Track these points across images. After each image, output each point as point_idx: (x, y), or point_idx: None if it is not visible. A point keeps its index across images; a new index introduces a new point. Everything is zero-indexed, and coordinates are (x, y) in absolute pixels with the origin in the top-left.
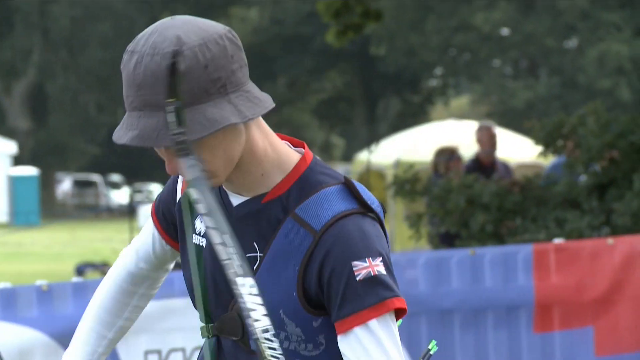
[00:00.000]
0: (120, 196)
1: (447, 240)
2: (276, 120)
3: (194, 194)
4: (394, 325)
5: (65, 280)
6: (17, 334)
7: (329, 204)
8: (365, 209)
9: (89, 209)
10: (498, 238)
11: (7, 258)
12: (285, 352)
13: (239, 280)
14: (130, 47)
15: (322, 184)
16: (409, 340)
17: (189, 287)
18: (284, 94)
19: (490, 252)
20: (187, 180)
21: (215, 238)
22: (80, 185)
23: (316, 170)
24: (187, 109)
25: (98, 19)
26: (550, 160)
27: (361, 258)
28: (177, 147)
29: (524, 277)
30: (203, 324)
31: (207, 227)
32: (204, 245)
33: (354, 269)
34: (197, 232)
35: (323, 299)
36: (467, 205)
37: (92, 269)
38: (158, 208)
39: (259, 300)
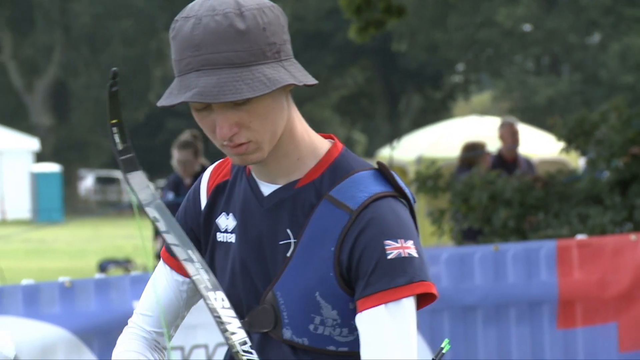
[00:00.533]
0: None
1: (469, 236)
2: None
3: (151, 213)
4: (414, 309)
5: (88, 277)
6: (40, 330)
7: (364, 185)
8: (399, 193)
9: (111, 206)
10: (520, 234)
11: (30, 255)
12: (319, 337)
13: (211, 295)
14: (182, 14)
15: (355, 169)
16: (431, 336)
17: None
18: (305, 90)
19: (513, 248)
20: (143, 200)
21: (180, 254)
22: (102, 181)
23: (348, 157)
24: (247, 68)
25: (119, 16)
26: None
27: (393, 238)
28: (123, 163)
29: (546, 273)
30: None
31: (169, 244)
32: (233, 241)
33: (386, 247)
34: (223, 230)
35: (352, 277)
36: (490, 201)
37: (114, 265)
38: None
39: (232, 313)
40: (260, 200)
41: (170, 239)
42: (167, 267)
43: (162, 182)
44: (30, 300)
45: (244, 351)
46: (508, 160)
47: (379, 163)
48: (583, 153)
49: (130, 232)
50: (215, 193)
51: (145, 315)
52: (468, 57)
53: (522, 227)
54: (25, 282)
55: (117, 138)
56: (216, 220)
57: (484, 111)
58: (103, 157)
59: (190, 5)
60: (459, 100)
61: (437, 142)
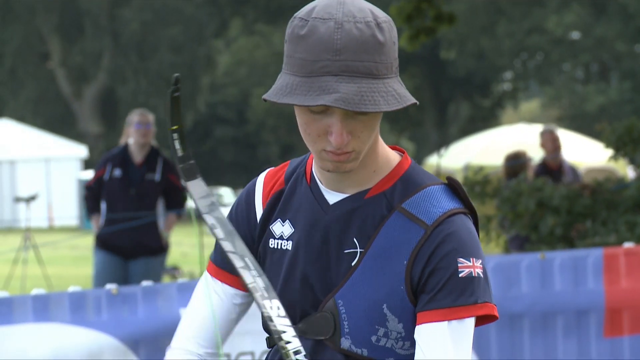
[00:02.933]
0: (190, 200)
1: (517, 243)
2: None
3: (209, 220)
4: (473, 329)
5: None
6: (87, 337)
7: (437, 201)
8: (469, 210)
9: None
10: (568, 241)
11: (78, 262)
12: (380, 349)
13: (267, 303)
14: (312, 14)
15: (425, 183)
16: (477, 344)
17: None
18: None
19: (560, 256)
20: (201, 208)
21: (237, 262)
22: None
23: (418, 170)
24: (381, 81)
25: (168, 23)
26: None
27: (466, 256)
28: (183, 170)
29: (593, 282)
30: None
31: (226, 252)
32: (289, 249)
33: (459, 264)
34: (277, 237)
35: (419, 290)
36: (537, 208)
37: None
38: (223, 261)
39: (287, 322)
40: (325, 208)
41: (227, 246)
42: (219, 283)
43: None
44: (77, 307)
45: None
46: (552, 167)
47: (449, 178)
48: (631, 161)
49: (178, 239)
50: (272, 202)
51: (194, 337)
52: (517, 65)
53: (570, 235)
54: (72, 289)
55: (177, 144)
56: (270, 227)
57: (532, 119)
58: None
59: (318, 6)
60: (508, 108)
61: (485, 149)
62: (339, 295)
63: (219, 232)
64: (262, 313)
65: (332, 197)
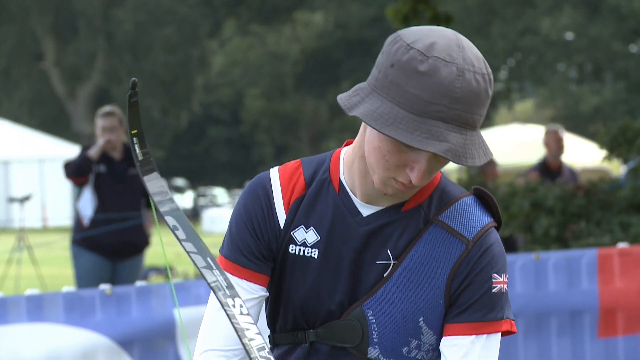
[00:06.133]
0: (184, 200)
1: (509, 244)
2: (340, 124)
3: (170, 222)
4: (499, 343)
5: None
6: (81, 337)
7: (473, 214)
8: (498, 223)
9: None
10: (562, 242)
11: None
12: None
13: (229, 302)
14: (436, 54)
15: (457, 195)
16: None
17: (290, 297)
18: None
19: (554, 257)
20: (162, 211)
21: (199, 262)
22: None
23: (447, 182)
24: (477, 133)
25: (162, 23)
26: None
27: (499, 272)
28: (143, 173)
29: (587, 282)
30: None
31: (187, 252)
32: (315, 257)
33: (493, 280)
34: (300, 243)
35: (452, 302)
36: (532, 208)
37: (156, 272)
38: (248, 257)
39: (250, 319)
40: (357, 220)
41: (189, 247)
42: (245, 282)
43: (202, 189)
44: (71, 308)
45: (262, 356)
46: (553, 167)
47: (476, 189)
48: (625, 161)
49: (171, 240)
50: (294, 207)
51: (225, 350)
52: (511, 65)
53: (564, 235)
54: (65, 289)
55: (137, 148)
56: (292, 233)
57: (526, 119)
58: None
59: (438, 44)
60: (502, 108)
61: None
62: (368, 304)
63: (180, 234)
64: (225, 312)
65: (366, 209)
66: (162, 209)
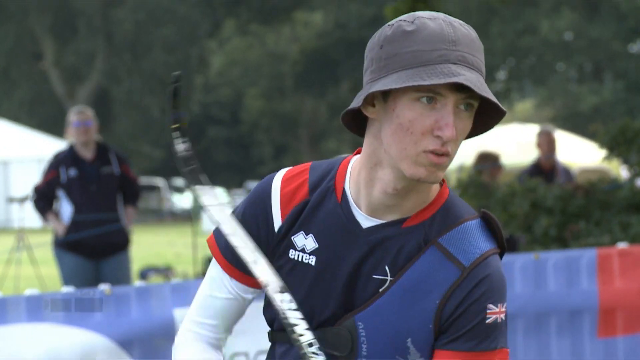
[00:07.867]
0: (184, 200)
1: (510, 244)
2: (339, 125)
3: (212, 217)
4: None
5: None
6: (80, 338)
7: (474, 239)
8: (500, 248)
9: (152, 213)
10: (561, 242)
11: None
12: None
13: (278, 297)
14: (419, 16)
15: (463, 217)
16: None
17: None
18: (348, 98)
19: (553, 257)
20: (207, 206)
21: (248, 257)
22: (143, 189)
23: (455, 201)
24: (484, 79)
25: (161, 23)
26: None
27: (496, 302)
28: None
29: (587, 282)
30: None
31: (235, 247)
32: (312, 264)
33: (488, 310)
34: (299, 249)
35: (443, 328)
36: (531, 209)
37: (155, 273)
38: (233, 257)
39: (299, 314)
40: (356, 231)
41: (236, 241)
42: (227, 276)
43: (216, 190)
44: (71, 308)
45: (312, 353)
46: (545, 168)
47: (484, 212)
48: (625, 161)
49: (170, 240)
50: (295, 212)
51: (207, 323)
52: (510, 65)
53: (563, 236)
54: (65, 289)
55: (179, 143)
56: (292, 238)
57: (526, 119)
58: (144, 164)
59: (417, 14)
60: None
61: (478, 150)
62: (360, 317)
63: (227, 228)
64: (275, 306)
65: (366, 221)
66: (206, 205)
